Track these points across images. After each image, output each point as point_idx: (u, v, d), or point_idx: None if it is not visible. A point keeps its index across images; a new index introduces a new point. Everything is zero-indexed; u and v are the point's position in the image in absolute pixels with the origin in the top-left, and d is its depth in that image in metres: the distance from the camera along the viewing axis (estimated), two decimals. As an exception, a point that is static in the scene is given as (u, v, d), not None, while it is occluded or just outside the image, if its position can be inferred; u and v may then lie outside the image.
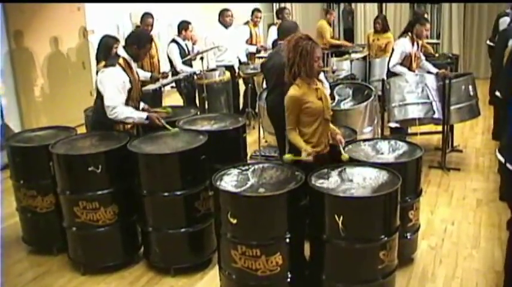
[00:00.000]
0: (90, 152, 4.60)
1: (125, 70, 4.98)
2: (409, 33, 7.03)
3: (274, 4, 14.33)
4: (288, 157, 4.11)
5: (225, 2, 10.39)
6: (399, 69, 6.89)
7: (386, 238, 3.74)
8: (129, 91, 5.02)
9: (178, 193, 4.46)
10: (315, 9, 14.57)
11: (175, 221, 4.56)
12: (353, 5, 14.34)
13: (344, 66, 8.14)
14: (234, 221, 3.71)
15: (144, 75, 7.23)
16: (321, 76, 4.60)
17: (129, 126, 5.21)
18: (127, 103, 5.01)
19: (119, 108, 4.89)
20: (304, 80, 4.08)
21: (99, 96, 5.01)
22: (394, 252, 3.91)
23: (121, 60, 5.01)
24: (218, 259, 4.10)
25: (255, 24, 9.82)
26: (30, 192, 4.92)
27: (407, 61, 7.02)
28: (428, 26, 7.33)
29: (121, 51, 5.19)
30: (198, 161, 4.53)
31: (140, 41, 5.14)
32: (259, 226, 3.74)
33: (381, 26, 9.31)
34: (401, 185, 3.83)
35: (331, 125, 4.37)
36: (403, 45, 6.99)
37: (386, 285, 3.92)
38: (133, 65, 5.19)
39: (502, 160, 3.70)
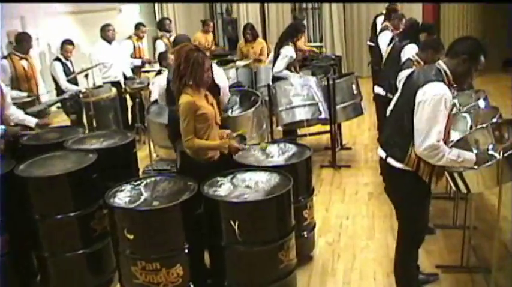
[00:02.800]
0: (-26, 181, 4.40)
1: None
2: (291, 40, 7.29)
3: (157, 17, 14.22)
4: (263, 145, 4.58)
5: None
6: (284, 73, 7.08)
7: (283, 239, 3.83)
8: None
9: (72, 214, 4.33)
10: (199, 21, 14.57)
11: (72, 244, 4.42)
12: (235, 13, 14.42)
13: (230, 75, 8.15)
14: (131, 237, 3.68)
15: (19, 95, 7.05)
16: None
17: None
18: None
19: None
20: (193, 89, 4.11)
21: None
22: (293, 251, 4.00)
23: None
24: (119, 277, 4.04)
25: (139, 38, 9.74)
26: None
27: (292, 66, 7.31)
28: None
29: None
30: (89, 180, 4.44)
31: None
32: (156, 239, 3.71)
33: (251, 35, 9.47)
34: (293, 186, 3.94)
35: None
36: (289, 53, 7.21)
37: (288, 284, 4.00)
38: None
39: (383, 155, 3.81)
